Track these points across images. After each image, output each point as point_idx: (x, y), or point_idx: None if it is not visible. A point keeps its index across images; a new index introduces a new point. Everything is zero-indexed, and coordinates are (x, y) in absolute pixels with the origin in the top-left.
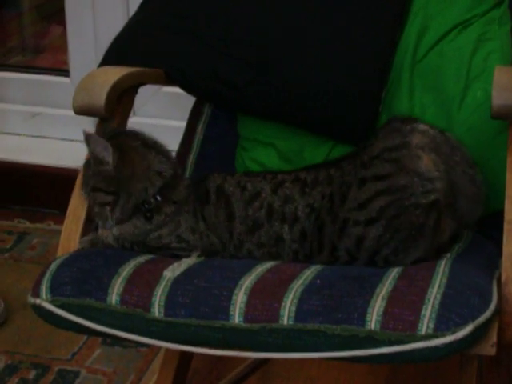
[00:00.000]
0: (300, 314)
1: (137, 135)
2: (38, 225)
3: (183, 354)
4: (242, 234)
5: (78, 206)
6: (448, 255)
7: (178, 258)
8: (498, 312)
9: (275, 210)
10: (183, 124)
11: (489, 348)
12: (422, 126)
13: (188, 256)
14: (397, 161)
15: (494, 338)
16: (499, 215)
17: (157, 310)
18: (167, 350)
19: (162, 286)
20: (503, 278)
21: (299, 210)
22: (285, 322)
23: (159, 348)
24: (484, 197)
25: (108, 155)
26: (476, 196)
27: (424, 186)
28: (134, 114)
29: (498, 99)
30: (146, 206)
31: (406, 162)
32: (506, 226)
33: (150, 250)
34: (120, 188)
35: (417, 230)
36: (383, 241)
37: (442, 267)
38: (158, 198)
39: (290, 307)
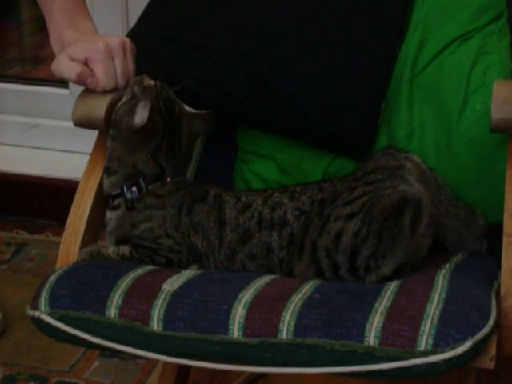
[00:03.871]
0: (299, 329)
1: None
2: (37, 236)
3: (182, 366)
4: (234, 242)
5: (77, 217)
6: (447, 266)
7: (172, 264)
8: (497, 326)
9: (264, 217)
10: None
11: (488, 361)
12: (415, 158)
13: (179, 260)
14: (390, 175)
15: (492, 351)
16: (498, 228)
17: (156, 324)
18: (166, 362)
19: (160, 300)
20: (502, 292)
21: (288, 214)
22: (284, 336)
23: (157, 360)
24: (472, 226)
25: (141, 114)
26: (462, 228)
27: (407, 187)
28: None
29: (497, 113)
30: (128, 197)
31: (398, 179)
32: (504, 239)
33: (146, 254)
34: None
35: (391, 222)
36: (360, 236)
37: (441, 281)
38: (134, 190)
39: (288, 322)
